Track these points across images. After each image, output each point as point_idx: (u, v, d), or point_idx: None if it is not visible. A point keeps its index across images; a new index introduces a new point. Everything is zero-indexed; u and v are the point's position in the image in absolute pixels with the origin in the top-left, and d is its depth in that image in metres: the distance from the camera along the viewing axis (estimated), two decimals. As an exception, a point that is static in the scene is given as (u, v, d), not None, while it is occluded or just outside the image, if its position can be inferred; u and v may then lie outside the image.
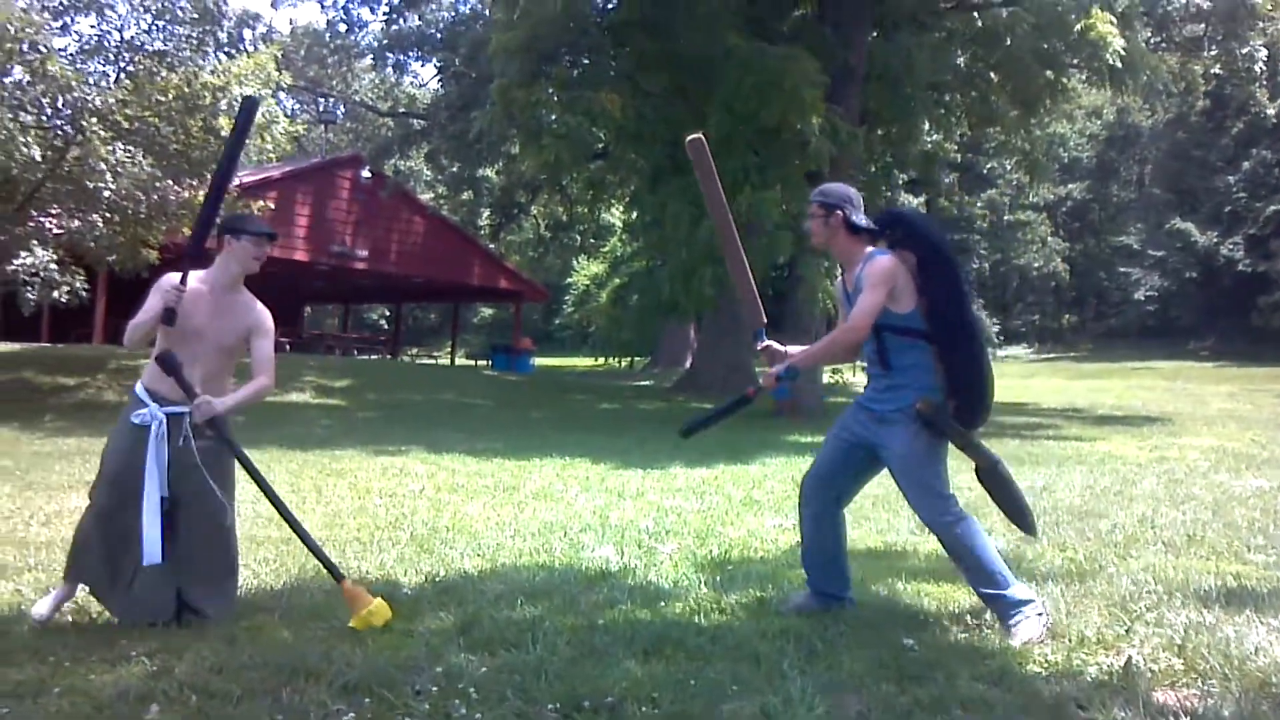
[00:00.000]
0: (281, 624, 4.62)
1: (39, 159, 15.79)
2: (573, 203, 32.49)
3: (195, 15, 17.97)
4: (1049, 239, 52.76)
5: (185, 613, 4.58)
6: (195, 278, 4.60)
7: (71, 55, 17.68)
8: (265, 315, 4.78)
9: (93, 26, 18.23)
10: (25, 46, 15.67)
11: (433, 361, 36.50)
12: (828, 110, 16.88)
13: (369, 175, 31.11)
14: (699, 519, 7.52)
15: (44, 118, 16.77)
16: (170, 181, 17.44)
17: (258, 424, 15.19)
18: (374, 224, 31.13)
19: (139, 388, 4.67)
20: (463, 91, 28.12)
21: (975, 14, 20.61)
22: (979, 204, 50.68)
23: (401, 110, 42.70)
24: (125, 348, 4.61)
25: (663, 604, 4.98)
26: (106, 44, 18.11)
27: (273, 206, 23.52)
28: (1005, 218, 52.32)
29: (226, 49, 19.33)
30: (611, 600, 5.03)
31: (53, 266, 16.25)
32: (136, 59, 17.72)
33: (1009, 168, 43.26)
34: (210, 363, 4.64)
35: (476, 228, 39.80)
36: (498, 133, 21.49)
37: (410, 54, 35.29)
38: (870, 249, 4.54)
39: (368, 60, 44.78)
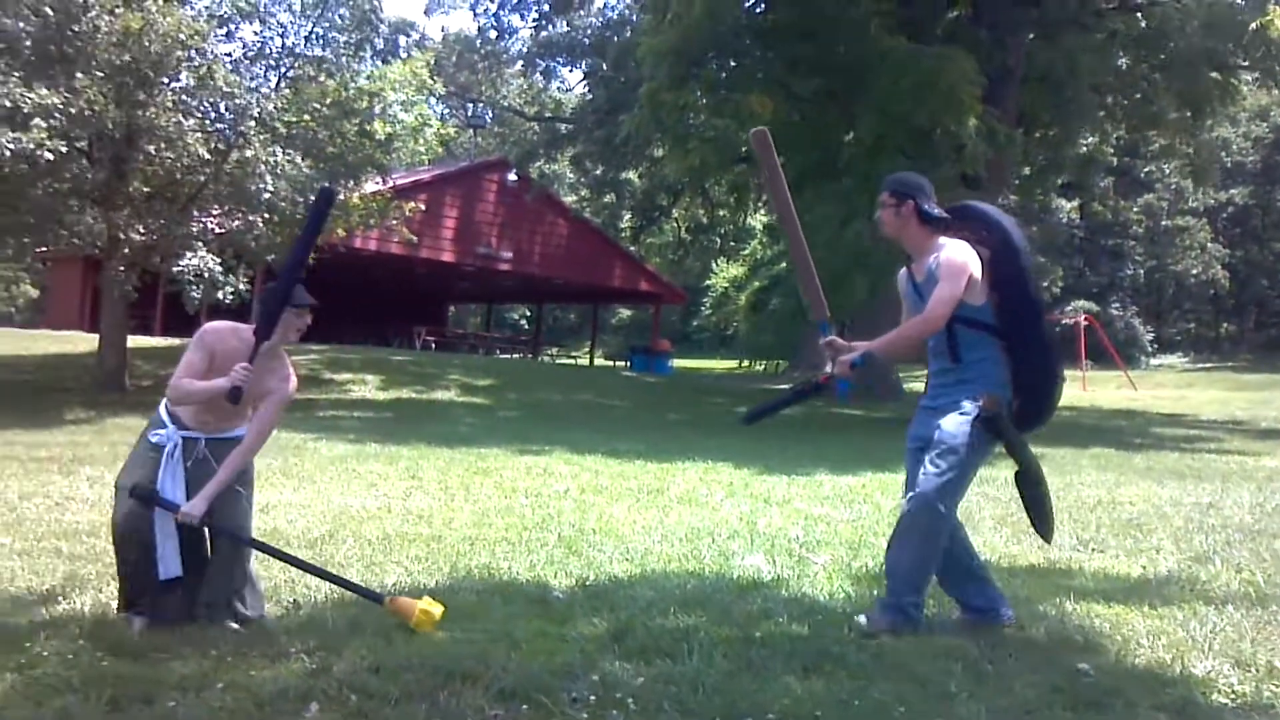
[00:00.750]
0: (437, 624, 4.62)
1: (205, 159, 16.38)
2: (714, 206, 32.43)
3: (352, 23, 18.42)
4: (1208, 245, 50.54)
5: (234, 620, 4.59)
6: (237, 333, 4.59)
7: (235, 61, 18.29)
8: (286, 383, 4.75)
9: (255, 33, 18.89)
10: (192, 53, 16.27)
11: (572, 362, 36.82)
12: (985, 112, 16.44)
13: (515, 178, 31.56)
14: (849, 529, 7.34)
15: (207, 121, 17.39)
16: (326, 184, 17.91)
17: (407, 421, 15.48)
18: (518, 226, 31.55)
19: (162, 408, 4.69)
20: (610, 96, 28.30)
21: (1139, 14, 19.85)
22: (1135, 208, 48.87)
23: (548, 115, 43.22)
24: (170, 399, 4.61)
25: (819, 618, 4.83)
26: (268, 50, 18.70)
27: (423, 208, 24.02)
28: (1163, 223, 50.31)
29: (381, 55, 19.77)
30: (766, 612, 4.91)
31: (216, 267, 16.83)
32: (296, 65, 18.25)
33: (1168, 172, 41.66)
34: (228, 408, 4.62)
35: (618, 230, 40.00)
36: (644, 136, 21.52)
37: (558, 60, 35.70)
38: (943, 239, 4.45)
39: (517, 66, 45.47)
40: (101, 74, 15.59)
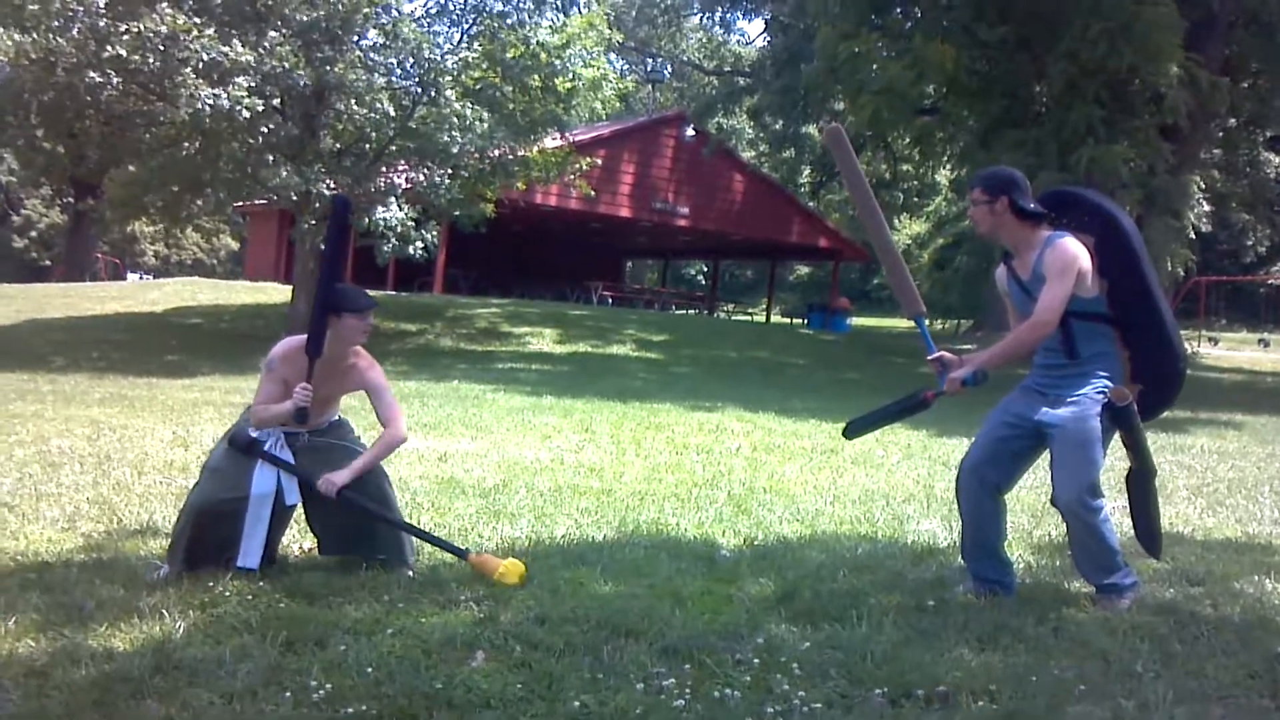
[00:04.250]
0: (603, 578, 4.62)
1: (392, 114, 16.78)
2: (897, 160, 31.64)
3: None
4: None
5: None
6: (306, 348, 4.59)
7: (419, 19, 18.61)
8: (373, 375, 4.77)
9: (440, -11, 19.14)
10: (379, 11, 16.63)
11: (748, 318, 36.58)
12: (1186, 58, 15.50)
13: (693, 134, 31.38)
14: (1032, 496, 7.03)
15: (393, 79, 17.79)
16: (510, 139, 18.19)
17: (582, 375, 15.64)
18: (696, 181, 31.40)
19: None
20: (788, 46, 27.81)
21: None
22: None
23: (727, 69, 42.83)
24: (253, 425, 4.66)
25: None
26: (452, 6, 18.97)
27: (600, 163, 24.15)
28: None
29: (561, 9, 19.83)
30: (941, 580, 4.75)
31: (410, 221, 17.28)
32: (479, 21, 18.47)
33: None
34: (319, 404, 4.67)
35: (797, 185, 39.47)
36: (823, 89, 21.06)
37: (738, 9, 35.24)
38: (1048, 233, 4.25)
39: (695, 19, 45.15)
40: (291, 31, 16.08)
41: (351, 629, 3.83)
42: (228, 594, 4.22)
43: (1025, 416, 4.34)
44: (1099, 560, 4.32)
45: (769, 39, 33.42)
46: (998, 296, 4.70)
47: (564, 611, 4.06)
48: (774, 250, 36.95)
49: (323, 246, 4.86)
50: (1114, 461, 4.74)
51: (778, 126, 33.39)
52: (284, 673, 3.43)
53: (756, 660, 3.60)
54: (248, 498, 4.51)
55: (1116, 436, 4.33)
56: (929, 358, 4.48)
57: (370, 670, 3.43)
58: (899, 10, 19.07)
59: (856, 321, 30.84)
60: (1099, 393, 4.18)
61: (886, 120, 18.49)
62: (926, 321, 4.70)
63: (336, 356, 4.64)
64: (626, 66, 52.07)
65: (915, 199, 43.06)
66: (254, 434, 4.65)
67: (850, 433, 4.83)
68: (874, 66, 17.90)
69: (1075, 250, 4.14)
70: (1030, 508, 6.55)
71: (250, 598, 4.17)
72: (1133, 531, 4.65)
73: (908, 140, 24.85)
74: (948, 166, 29.21)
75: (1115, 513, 4.81)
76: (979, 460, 4.45)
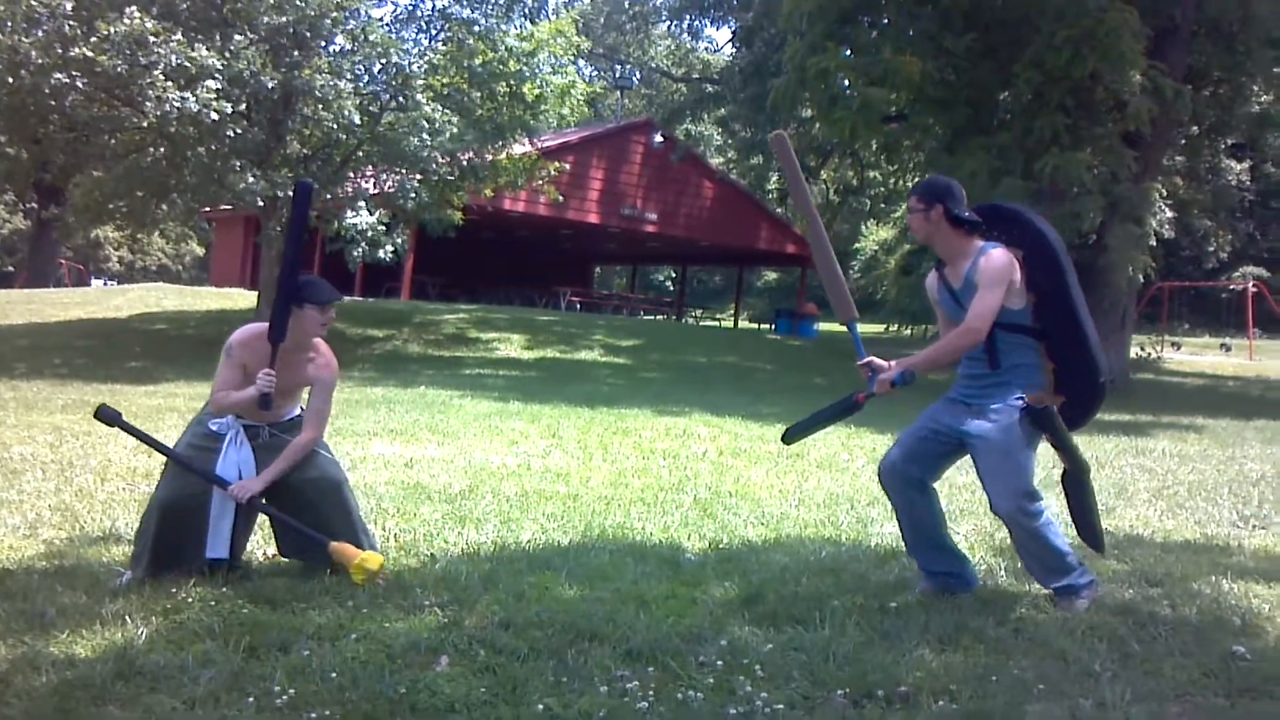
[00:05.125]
0: (568, 582, 4.63)
1: (358, 122, 16.74)
2: (864, 167, 31.77)
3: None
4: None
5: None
6: (264, 337, 4.58)
7: (387, 25, 18.59)
8: (326, 369, 4.75)
9: (407, -4, 19.14)
10: (347, 16, 16.59)
11: (716, 324, 36.65)
12: (1149, 66, 15.67)
13: (661, 140, 31.46)
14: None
15: (361, 84, 17.74)
16: (478, 144, 18.19)
17: (550, 380, 15.64)
18: (664, 188, 31.49)
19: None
20: (754, 55, 27.91)
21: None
22: (1313, 170, 46.14)
23: (695, 76, 42.92)
24: (212, 411, 4.70)
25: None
26: (420, 12, 18.96)
27: (569, 169, 24.15)
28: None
29: (530, 16, 19.84)
30: (903, 582, 4.79)
31: (380, 226, 17.24)
32: (447, 27, 18.46)
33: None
34: (279, 395, 4.65)
35: (765, 192, 39.58)
36: (792, 100, 21.13)
37: (706, 17, 35.32)
38: (980, 243, 4.33)
39: (664, 26, 45.25)
40: (258, 36, 16.02)
41: (315, 634, 3.82)
42: (190, 600, 4.20)
43: (951, 426, 4.43)
44: (1047, 563, 4.38)
45: (736, 47, 33.53)
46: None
47: (529, 616, 4.07)
48: (742, 256, 37.08)
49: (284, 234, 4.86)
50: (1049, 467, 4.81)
51: (746, 134, 33.51)
52: (247, 678, 3.42)
53: (720, 662, 3.63)
54: (212, 490, 4.51)
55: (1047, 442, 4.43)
56: (859, 362, 4.56)
57: (334, 675, 3.42)
58: (866, 21, 19.14)
59: (824, 327, 30.91)
60: (1017, 398, 4.27)
61: (857, 134, 18.58)
62: (859, 327, 4.77)
63: (296, 346, 4.62)
64: (595, 72, 52.17)
65: (882, 205, 43.12)
66: (214, 426, 4.65)
67: (789, 438, 4.93)
68: (845, 81, 17.98)
69: (1007, 261, 4.22)
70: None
71: (213, 604, 4.15)
72: (1075, 531, 4.72)
73: (875, 148, 24.98)
74: (914, 173, 29.40)
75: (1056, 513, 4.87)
76: (898, 458, 4.54)
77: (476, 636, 3.82)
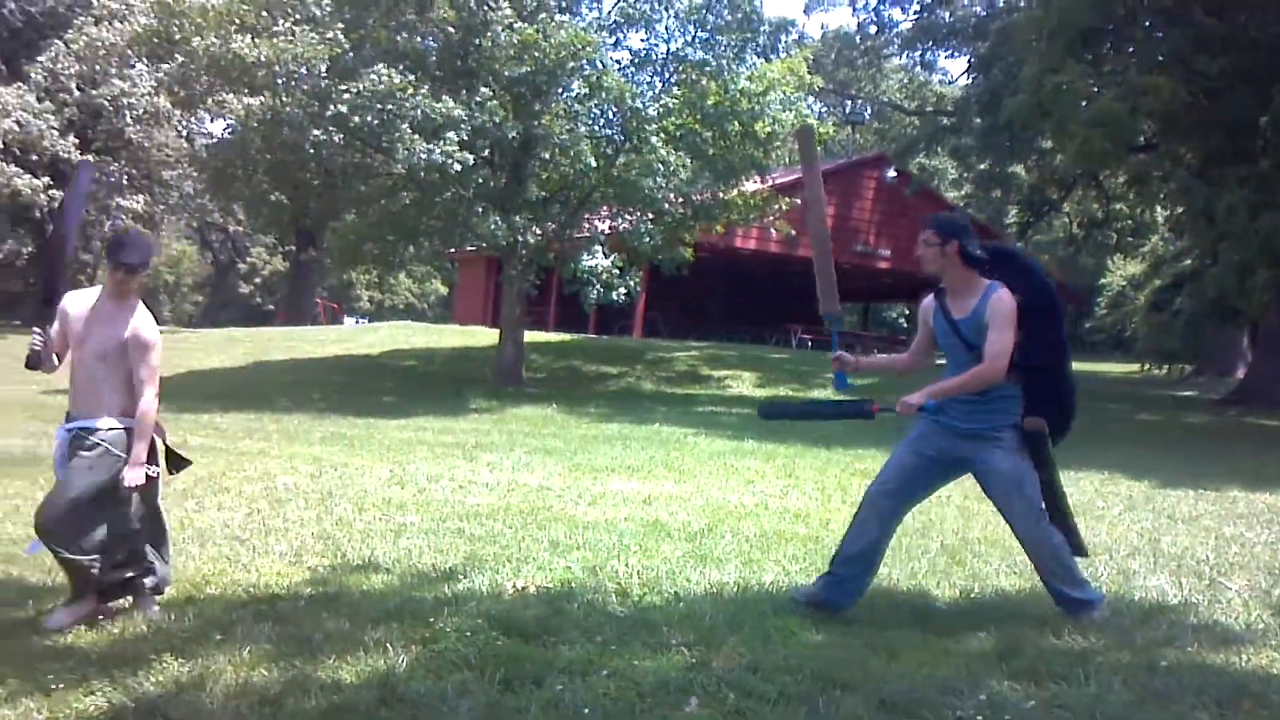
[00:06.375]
0: (814, 627, 4.54)
1: (594, 165, 17.15)
2: (1110, 199, 30.46)
3: (734, 25, 18.65)
4: None
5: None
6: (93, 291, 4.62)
7: (623, 69, 18.99)
8: (142, 328, 4.59)
9: (642, 40, 19.50)
10: (584, 63, 17.05)
11: (951, 363, 35.74)
12: None
13: (894, 175, 31.00)
14: (1269, 552, 6.61)
15: (596, 128, 18.18)
16: (711, 184, 18.37)
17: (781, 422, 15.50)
18: (897, 223, 30.96)
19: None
20: (991, 84, 27.19)
21: None
22: None
23: (929, 108, 42.16)
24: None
25: (1235, 649, 4.37)
26: (654, 56, 19.29)
27: (800, 205, 24.02)
28: None
29: (762, 54, 19.89)
30: (1172, 638, 4.49)
31: (615, 269, 17.61)
32: (680, 69, 18.73)
33: None
34: (87, 369, 4.56)
35: (1003, 226, 38.44)
36: (1028, 123, 20.44)
37: (939, 48, 34.70)
38: (988, 282, 4.64)
39: (895, 60, 44.68)
40: (500, 86, 16.66)
41: (566, 669, 3.87)
42: (447, 630, 4.32)
43: (945, 450, 4.75)
44: (1068, 577, 4.75)
45: (972, 78, 32.76)
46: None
47: (776, 660, 4.01)
48: (979, 292, 35.99)
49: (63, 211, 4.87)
50: None
51: (983, 166, 32.66)
52: (503, 710, 3.49)
53: (979, 717, 3.49)
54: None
55: None
56: (832, 356, 5.02)
57: (586, 711, 3.45)
58: (1108, 45, 18.36)
59: (1074, 366, 29.59)
60: (1013, 427, 4.65)
61: (1098, 153, 17.77)
62: (842, 323, 5.18)
63: (105, 295, 4.62)
64: (825, 109, 51.92)
65: (1129, 239, 41.25)
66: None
67: (767, 413, 5.60)
68: (1084, 102, 17.29)
69: (1014, 304, 4.55)
70: (1267, 565, 6.13)
71: (469, 634, 4.26)
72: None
73: (1122, 179, 23.92)
74: (1164, 204, 28.00)
75: None
76: (892, 486, 4.85)
77: (725, 678, 3.79)
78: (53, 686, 3.78)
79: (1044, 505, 4.70)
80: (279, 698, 3.66)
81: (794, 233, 23.95)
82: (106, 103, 34.65)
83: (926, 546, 6.45)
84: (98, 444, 4.52)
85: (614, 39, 19.06)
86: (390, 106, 15.32)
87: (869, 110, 54.22)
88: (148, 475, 4.57)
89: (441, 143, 15.28)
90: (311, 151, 16.15)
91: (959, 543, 6.65)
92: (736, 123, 17.99)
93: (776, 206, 20.58)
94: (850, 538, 4.84)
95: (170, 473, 4.89)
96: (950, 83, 48.35)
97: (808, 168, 5.36)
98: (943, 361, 4.98)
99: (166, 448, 4.82)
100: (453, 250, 23.21)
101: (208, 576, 5.31)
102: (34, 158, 33.13)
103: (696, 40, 18.97)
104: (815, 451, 11.44)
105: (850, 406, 5.03)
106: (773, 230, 23.07)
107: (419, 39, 16.61)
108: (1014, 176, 34.11)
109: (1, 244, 40.83)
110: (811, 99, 29.71)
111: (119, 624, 4.56)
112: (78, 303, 4.62)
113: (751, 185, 20.48)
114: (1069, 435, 4.94)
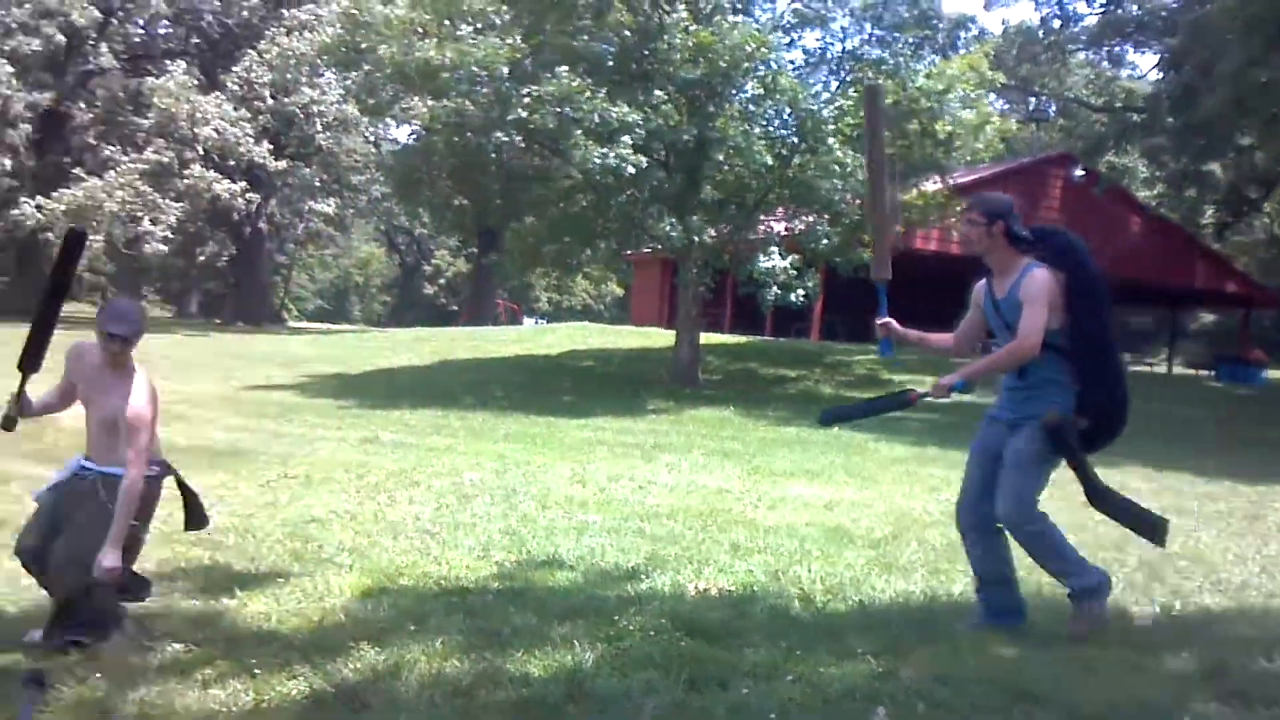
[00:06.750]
0: (1005, 639, 4.42)
1: (769, 166, 17.07)
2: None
3: (912, 22, 18.28)
4: None
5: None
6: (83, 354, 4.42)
7: (798, 69, 18.86)
8: (136, 403, 4.33)
9: (817, 40, 19.31)
10: (758, 64, 16.98)
11: (1147, 369, 34.29)
12: None
13: (1082, 173, 29.91)
14: None
15: (771, 128, 18.08)
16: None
17: (966, 426, 15.14)
18: (1085, 223, 29.63)
19: None
20: (1183, 79, 25.97)
21: None
22: None
23: (1118, 105, 40.53)
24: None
25: None
26: (829, 55, 19.09)
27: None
28: None
29: (940, 52, 19.47)
30: (1399, 665, 4.20)
31: (792, 271, 17.51)
32: (856, 68, 18.47)
33: None
34: (98, 431, 4.43)
35: (1199, 227, 36.69)
36: (1226, 120, 19.44)
37: (1128, 43, 33.34)
38: (1027, 261, 4.57)
39: (1081, 55, 43.10)
40: (675, 89, 16.74)
41: (751, 672, 3.86)
42: (632, 628, 4.36)
43: (994, 448, 4.67)
44: (1058, 566, 4.57)
45: (1163, 73, 31.35)
46: None
47: (966, 671, 3.92)
48: (1175, 296, 34.53)
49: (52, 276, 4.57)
50: None
51: (1176, 165, 31.24)
52: (689, 711, 3.50)
53: (1188, 740, 3.32)
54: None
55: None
56: (878, 321, 4.97)
57: (773, 716, 3.43)
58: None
59: (1274, 374, 28.10)
60: (1040, 417, 4.49)
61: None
62: (886, 290, 5.09)
63: (104, 362, 4.42)
64: (1008, 105, 50.47)
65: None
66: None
67: (827, 420, 5.33)
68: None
69: (1051, 282, 4.46)
70: None
71: (653, 634, 4.29)
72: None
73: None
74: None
75: None
76: (971, 499, 4.74)
77: (914, 689, 3.72)
78: (257, 670, 3.96)
79: (1032, 498, 4.56)
80: (470, 689, 3.76)
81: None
82: (298, 110, 36.31)
83: (1124, 561, 6.20)
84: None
85: (788, 39, 18.93)
86: (566, 110, 15.58)
87: (1054, 107, 52.43)
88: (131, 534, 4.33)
89: (616, 146, 15.45)
90: (493, 155, 16.53)
91: (1159, 558, 6.36)
92: (915, 122, 17.65)
93: (957, 207, 20.10)
94: (975, 563, 4.76)
95: (188, 527, 4.80)
96: (1140, 77, 46.39)
97: (871, 131, 5.33)
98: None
99: (187, 496, 4.69)
100: (629, 252, 23.45)
101: (400, 568, 5.49)
102: (231, 163, 34.90)
103: (873, 38, 18.67)
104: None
105: (893, 398, 5.14)
106: (954, 232, 22.56)
107: (596, 44, 16.82)
108: (1210, 175, 32.54)
109: (204, 246, 43.14)
110: (993, 96, 28.90)
111: (318, 611, 4.74)
112: (84, 361, 4.45)
113: (932, 185, 20.06)
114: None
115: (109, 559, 4.15)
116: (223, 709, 3.66)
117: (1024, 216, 4.81)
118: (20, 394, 4.43)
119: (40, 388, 4.47)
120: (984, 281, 4.83)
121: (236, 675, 3.92)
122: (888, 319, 4.96)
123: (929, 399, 4.77)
